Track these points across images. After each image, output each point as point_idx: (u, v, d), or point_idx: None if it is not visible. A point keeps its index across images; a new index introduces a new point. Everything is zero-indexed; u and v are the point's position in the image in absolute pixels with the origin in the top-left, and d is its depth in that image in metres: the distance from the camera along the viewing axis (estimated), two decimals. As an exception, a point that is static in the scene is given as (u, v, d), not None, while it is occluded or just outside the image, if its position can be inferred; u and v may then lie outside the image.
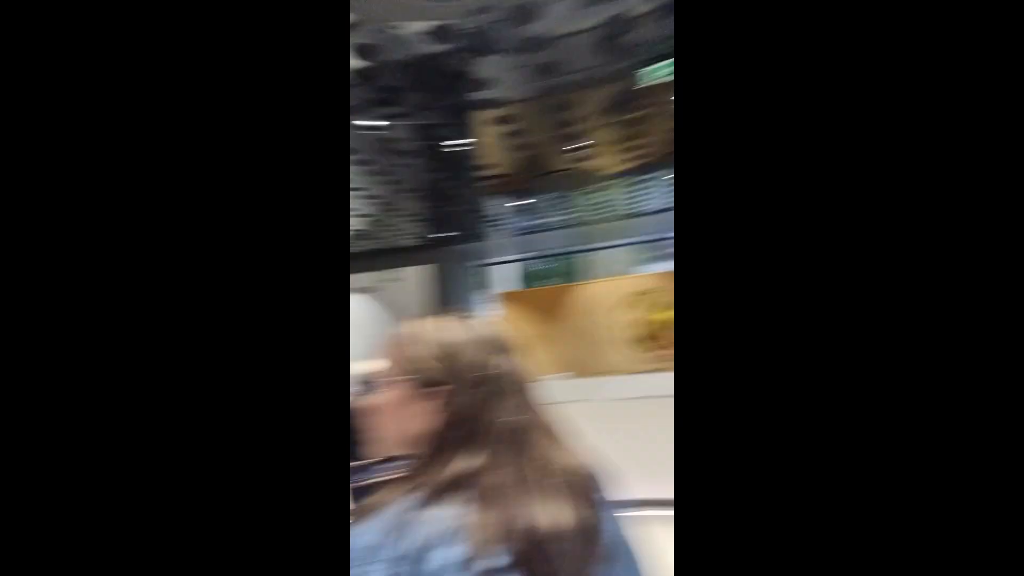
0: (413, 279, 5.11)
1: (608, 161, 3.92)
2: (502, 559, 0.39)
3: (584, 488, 0.48)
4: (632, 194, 4.53)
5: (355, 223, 4.51)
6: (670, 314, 5.07)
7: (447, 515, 0.41)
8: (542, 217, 5.06)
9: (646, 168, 4.16)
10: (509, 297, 5.65)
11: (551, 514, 0.42)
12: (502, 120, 3.08)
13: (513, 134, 3.22)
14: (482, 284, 6.64)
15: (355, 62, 1.98)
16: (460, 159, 3.53)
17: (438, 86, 2.59)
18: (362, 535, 0.38)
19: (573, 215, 5.00)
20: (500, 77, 2.64)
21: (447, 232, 4.74)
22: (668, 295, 5.33)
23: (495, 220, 4.95)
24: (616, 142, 3.69)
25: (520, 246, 6.16)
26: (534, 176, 3.99)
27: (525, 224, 5.24)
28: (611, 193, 4.44)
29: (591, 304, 5.45)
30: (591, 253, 7.20)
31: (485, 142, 3.37)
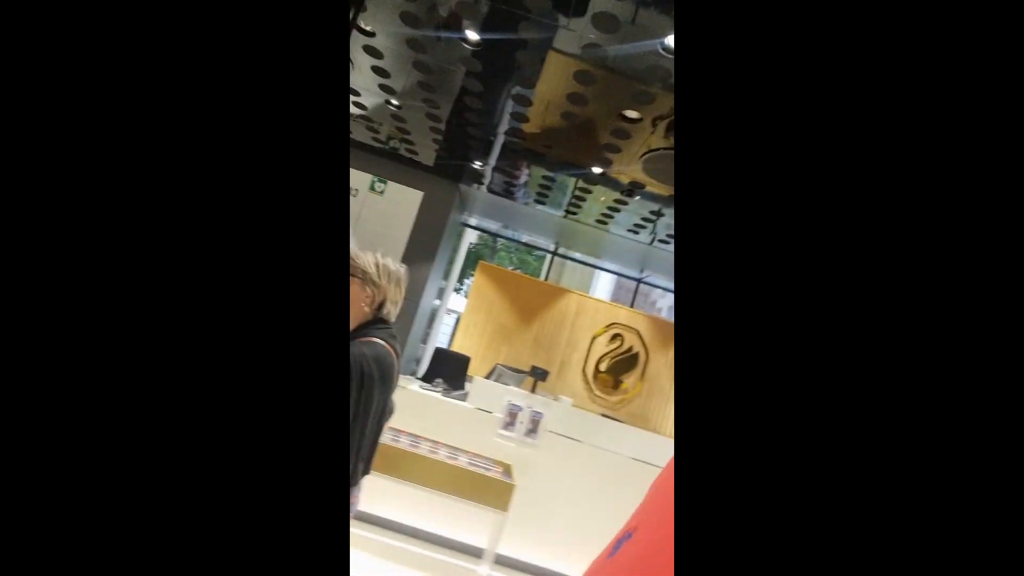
0: (399, 199, 4.60)
1: (631, 173, 3.55)
2: None
3: None
4: (629, 217, 4.24)
5: (365, 109, 3.87)
6: (623, 364, 5.13)
7: None
8: (540, 197, 4.66)
9: (657, 200, 3.84)
10: (486, 268, 5.34)
11: None
12: (579, 75, 2.60)
13: (577, 96, 2.74)
14: (459, 240, 6.37)
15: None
16: (506, 94, 3.01)
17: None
18: None
19: (573, 210, 4.65)
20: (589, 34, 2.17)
21: (457, 161, 4.23)
22: (630, 342, 5.30)
23: (509, 180, 4.46)
24: (649, 161, 3.33)
25: (507, 216, 5.81)
26: (565, 149, 3.54)
27: (522, 196, 4.87)
28: (601, 200, 4.11)
29: (566, 316, 5.26)
30: (564, 259, 7.12)
31: (546, 88, 2.88)
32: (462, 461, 2.10)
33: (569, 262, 7.09)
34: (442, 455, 2.08)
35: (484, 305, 5.19)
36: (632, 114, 2.74)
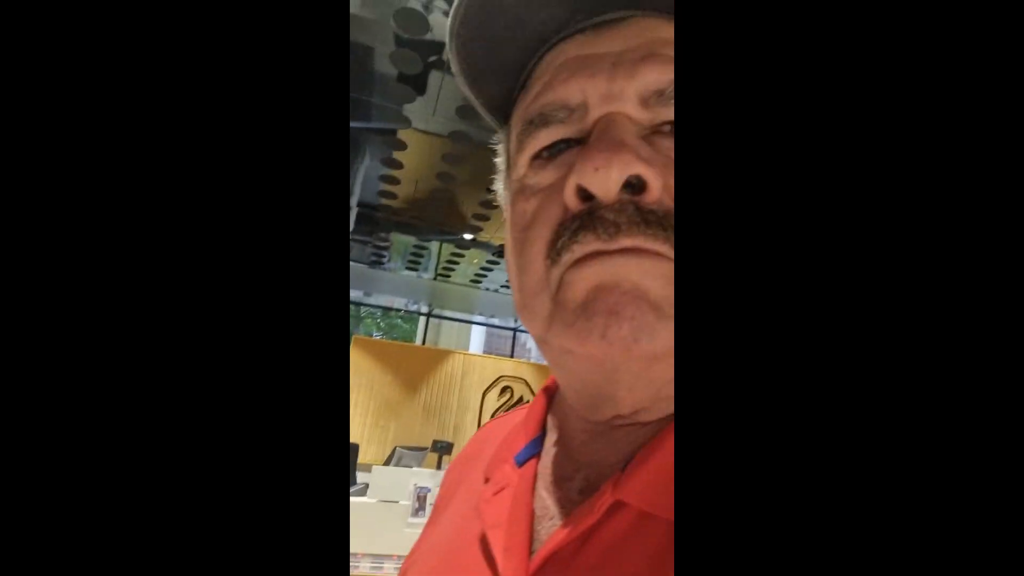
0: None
1: (502, 237, 3.81)
2: None
3: None
4: (503, 274, 4.50)
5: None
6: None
7: None
8: (411, 264, 4.66)
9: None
10: (361, 343, 5.03)
11: None
12: (448, 155, 2.73)
13: (448, 159, 2.86)
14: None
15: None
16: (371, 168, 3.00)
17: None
18: None
19: (445, 273, 4.73)
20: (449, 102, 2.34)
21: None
22: (519, 392, 5.40)
23: (376, 250, 4.36)
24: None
25: (370, 284, 5.64)
26: (437, 217, 3.62)
27: (389, 264, 4.80)
28: (475, 262, 4.32)
29: (453, 378, 5.16)
30: (439, 319, 7.12)
31: (412, 160, 2.95)
32: (388, 569, 1.92)
33: (445, 321, 7.09)
34: (365, 568, 1.87)
35: (364, 383, 4.88)
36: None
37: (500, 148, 0.38)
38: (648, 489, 0.28)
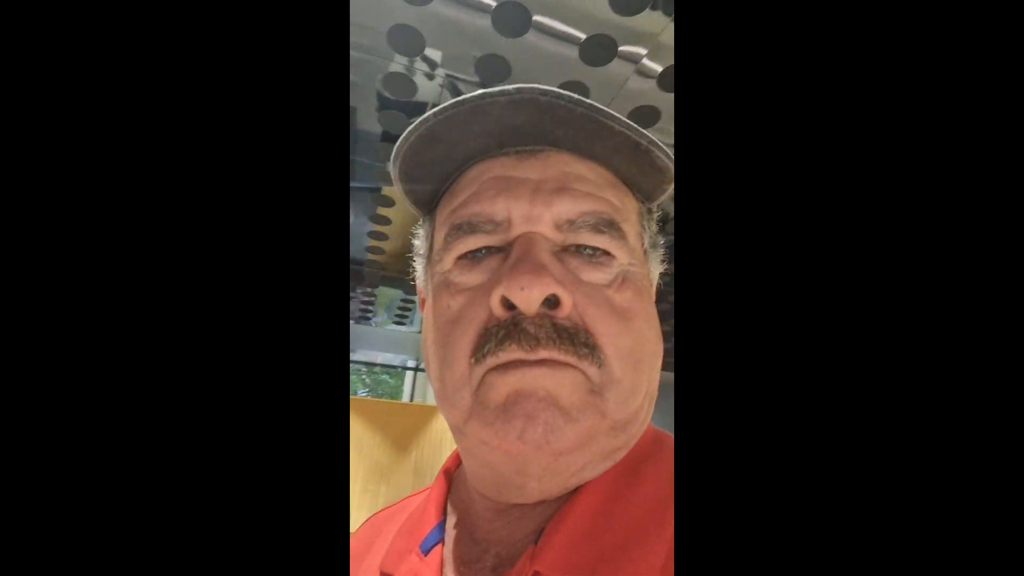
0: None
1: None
2: None
3: None
4: None
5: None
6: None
7: None
8: (399, 318, 4.61)
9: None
10: (354, 403, 4.88)
11: None
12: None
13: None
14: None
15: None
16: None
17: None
18: None
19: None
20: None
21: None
22: None
23: (362, 306, 4.32)
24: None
25: (356, 340, 5.54)
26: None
27: (375, 319, 4.73)
28: None
29: (444, 434, 4.99)
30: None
31: (400, 216, 2.98)
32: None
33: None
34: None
35: (353, 446, 4.68)
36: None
37: (422, 233, 0.44)
38: (563, 557, 0.31)
